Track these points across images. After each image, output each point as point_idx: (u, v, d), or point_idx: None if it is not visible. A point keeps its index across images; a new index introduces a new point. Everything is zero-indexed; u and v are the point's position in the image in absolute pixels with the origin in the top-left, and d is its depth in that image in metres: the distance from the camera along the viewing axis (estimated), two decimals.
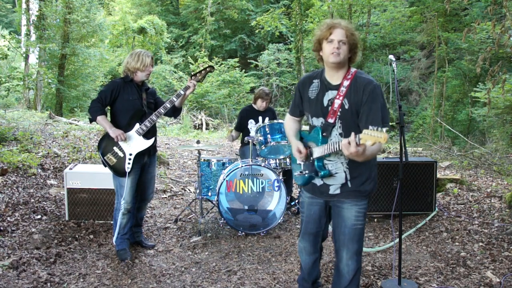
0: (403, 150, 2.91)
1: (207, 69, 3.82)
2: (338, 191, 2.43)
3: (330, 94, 2.39)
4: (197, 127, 14.61)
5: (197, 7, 23.37)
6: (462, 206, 4.79)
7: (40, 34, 14.46)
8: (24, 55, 14.50)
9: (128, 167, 3.49)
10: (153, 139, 3.59)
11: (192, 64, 18.41)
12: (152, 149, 3.69)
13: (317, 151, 2.41)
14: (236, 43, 22.94)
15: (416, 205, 4.48)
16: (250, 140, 4.34)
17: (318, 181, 2.50)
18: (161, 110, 3.57)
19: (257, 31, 18.40)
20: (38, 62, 15.20)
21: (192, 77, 3.74)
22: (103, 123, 3.48)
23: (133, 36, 20.16)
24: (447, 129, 11.88)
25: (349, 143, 2.05)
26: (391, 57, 3.09)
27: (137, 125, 3.53)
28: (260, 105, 4.94)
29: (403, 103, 16.28)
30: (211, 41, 22.20)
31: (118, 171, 3.52)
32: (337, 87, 2.37)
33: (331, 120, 2.37)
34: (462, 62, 13.02)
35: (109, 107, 3.57)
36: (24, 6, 15.07)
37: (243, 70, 18.90)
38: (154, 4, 25.22)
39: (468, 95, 12.39)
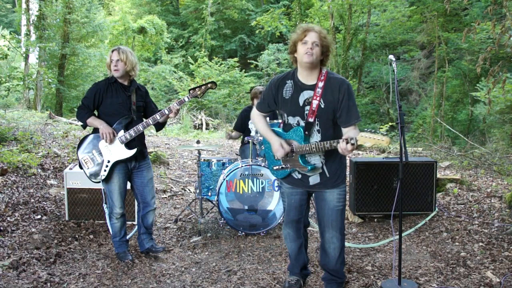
0: (403, 150, 2.91)
1: (208, 85, 3.54)
2: (318, 180, 2.69)
3: (305, 94, 2.60)
4: (197, 127, 14.61)
5: (197, 7, 23.38)
6: (462, 206, 4.79)
7: (40, 34, 14.46)
8: (24, 55, 14.49)
9: (103, 174, 3.34)
10: (135, 149, 3.36)
11: (192, 64, 18.41)
12: (139, 156, 3.46)
13: (300, 149, 2.62)
14: (236, 43, 22.94)
15: (416, 205, 4.48)
16: (250, 140, 4.34)
17: (296, 175, 2.75)
18: (150, 121, 3.35)
19: (257, 31, 18.39)
20: (38, 62, 15.21)
21: (190, 91, 3.49)
22: (94, 122, 3.33)
23: (133, 36, 20.18)
24: (447, 129, 11.88)
25: (347, 144, 2.29)
26: (391, 57, 3.08)
27: (121, 132, 3.33)
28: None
29: (403, 103, 16.28)
30: (211, 41, 22.21)
31: (92, 176, 3.38)
32: (312, 87, 2.58)
33: (311, 120, 2.58)
34: (462, 62, 13.03)
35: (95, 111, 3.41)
36: (24, 6, 15.07)
37: (243, 70, 18.89)
38: (154, 4, 25.22)
39: (468, 94, 12.40)
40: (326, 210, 2.73)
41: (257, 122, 2.88)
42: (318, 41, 2.49)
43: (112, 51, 3.34)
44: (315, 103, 2.55)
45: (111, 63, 3.32)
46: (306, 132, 2.60)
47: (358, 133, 2.47)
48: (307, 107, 2.58)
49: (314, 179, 2.70)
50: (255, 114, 2.91)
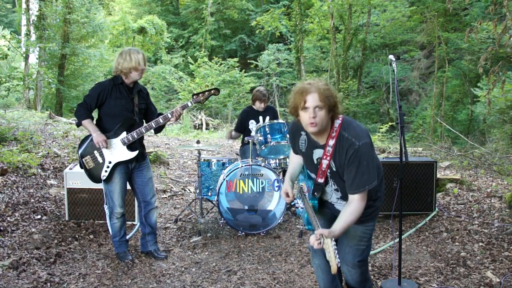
0: (403, 150, 2.91)
1: (212, 91, 3.60)
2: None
3: (317, 153, 2.31)
4: (197, 127, 14.62)
5: (197, 7, 23.37)
6: (462, 206, 4.79)
7: (40, 34, 14.45)
8: (24, 55, 14.49)
9: (104, 175, 3.34)
10: (136, 151, 3.40)
11: (192, 64, 18.41)
12: (140, 157, 3.50)
13: (306, 205, 2.37)
14: (236, 43, 22.94)
15: (416, 205, 4.48)
16: (250, 140, 4.34)
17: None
18: (153, 124, 3.39)
19: (257, 31, 18.39)
20: (38, 62, 15.19)
21: (194, 96, 3.54)
22: (88, 127, 3.30)
23: (133, 36, 20.17)
24: (447, 129, 11.88)
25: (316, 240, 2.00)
26: (391, 57, 3.09)
27: (124, 134, 3.35)
28: (259, 106, 4.95)
29: (403, 103, 16.28)
30: (211, 41, 22.20)
31: (93, 176, 3.38)
32: (323, 146, 2.26)
33: (321, 181, 2.31)
34: (462, 62, 13.04)
35: (96, 109, 3.39)
36: (24, 6, 15.06)
37: (243, 70, 18.88)
38: (154, 4, 25.22)
39: (468, 94, 12.40)
40: (344, 247, 2.36)
41: (289, 160, 2.65)
42: (320, 103, 2.10)
43: (143, 57, 3.28)
44: (325, 163, 2.25)
45: (138, 65, 3.26)
46: (315, 193, 2.34)
47: (358, 206, 2.12)
48: (319, 167, 2.31)
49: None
50: (290, 155, 2.65)
